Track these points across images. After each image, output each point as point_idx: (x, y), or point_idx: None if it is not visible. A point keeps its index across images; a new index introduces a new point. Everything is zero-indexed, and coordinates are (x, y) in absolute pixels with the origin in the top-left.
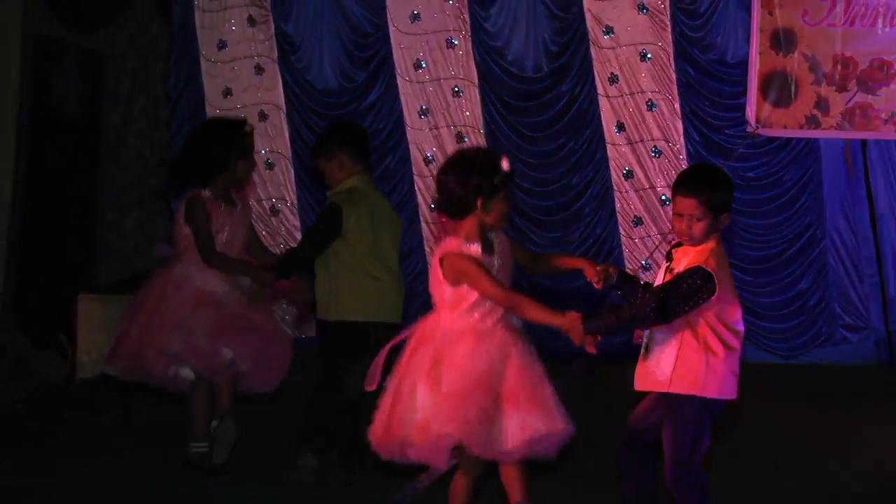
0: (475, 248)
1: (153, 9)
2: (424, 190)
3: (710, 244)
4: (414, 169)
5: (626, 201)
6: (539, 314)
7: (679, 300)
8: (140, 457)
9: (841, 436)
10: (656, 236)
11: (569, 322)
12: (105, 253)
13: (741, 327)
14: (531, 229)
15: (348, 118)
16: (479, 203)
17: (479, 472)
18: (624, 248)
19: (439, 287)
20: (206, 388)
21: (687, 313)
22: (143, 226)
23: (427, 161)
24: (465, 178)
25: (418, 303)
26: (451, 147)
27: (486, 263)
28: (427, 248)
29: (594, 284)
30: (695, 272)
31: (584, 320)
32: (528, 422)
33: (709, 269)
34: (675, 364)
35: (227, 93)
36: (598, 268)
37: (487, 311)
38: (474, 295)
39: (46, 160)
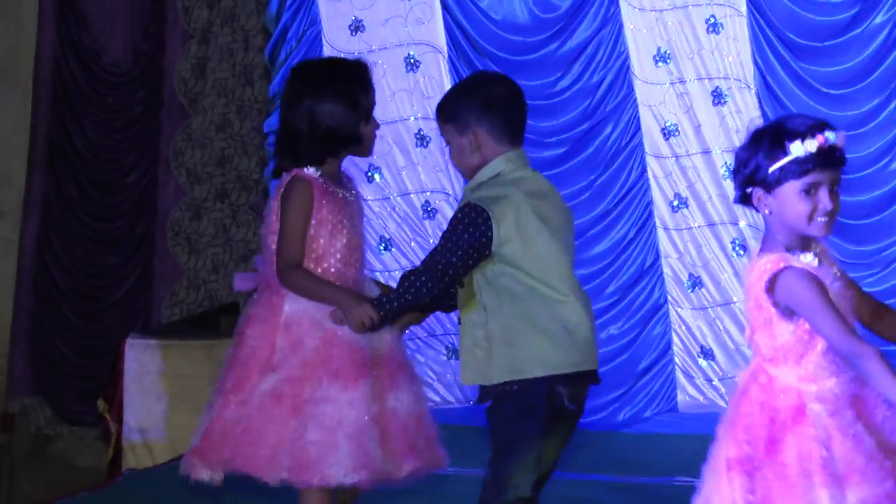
0: (810, 259)
1: None
2: (663, 178)
3: None
4: (646, 145)
5: None
6: (889, 381)
7: None
8: None
9: None
10: None
11: None
12: (168, 274)
13: None
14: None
15: (541, 66)
16: (754, 198)
17: None
18: None
19: (768, 327)
20: None
21: None
22: (226, 231)
23: (668, 132)
24: (741, 161)
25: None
26: (703, 110)
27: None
28: (667, 270)
29: None
30: None
31: None
32: None
33: None
34: None
35: (357, 27)
36: None
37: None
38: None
39: (69, 133)
